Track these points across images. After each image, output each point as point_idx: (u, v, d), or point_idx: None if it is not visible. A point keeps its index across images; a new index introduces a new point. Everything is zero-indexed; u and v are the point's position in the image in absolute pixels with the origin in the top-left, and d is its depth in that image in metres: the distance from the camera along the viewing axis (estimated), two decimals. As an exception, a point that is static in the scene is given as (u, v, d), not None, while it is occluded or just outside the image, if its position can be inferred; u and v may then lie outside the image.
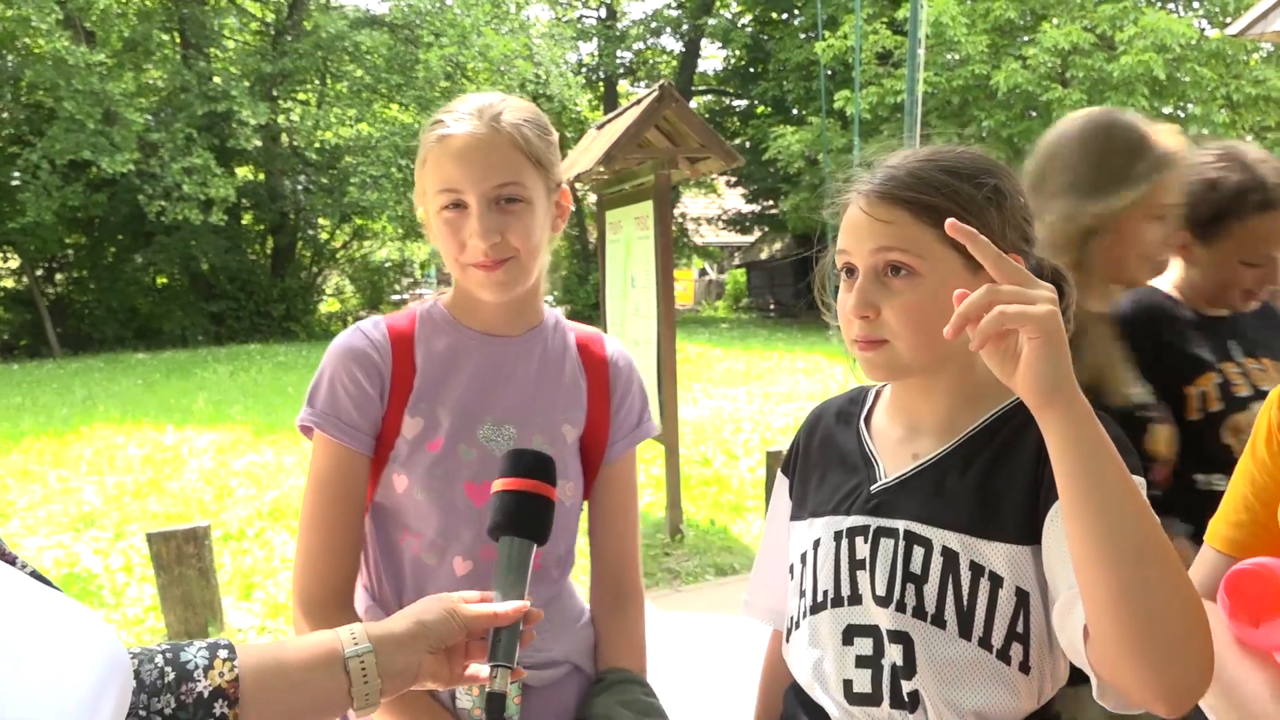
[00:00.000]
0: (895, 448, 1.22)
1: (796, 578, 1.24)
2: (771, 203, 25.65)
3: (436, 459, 1.36)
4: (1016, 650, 1.09)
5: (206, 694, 0.90)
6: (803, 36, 23.45)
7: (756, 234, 29.51)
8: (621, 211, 6.23)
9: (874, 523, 1.16)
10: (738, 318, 27.52)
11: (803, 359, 15.64)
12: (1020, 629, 1.08)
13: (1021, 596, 1.08)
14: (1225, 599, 1.10)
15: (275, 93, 21.22)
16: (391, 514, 1.39)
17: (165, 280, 22.39)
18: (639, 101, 5.68)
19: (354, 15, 21.19)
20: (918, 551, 1.12)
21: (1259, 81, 18.29)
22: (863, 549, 1.16)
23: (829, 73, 19.79)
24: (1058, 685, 1.13)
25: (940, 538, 1.11)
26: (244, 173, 22.08)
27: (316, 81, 22.11)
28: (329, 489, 1.34)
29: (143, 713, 0.88)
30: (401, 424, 1.36)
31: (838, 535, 1.19)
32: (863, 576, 1.15)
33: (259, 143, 19.41)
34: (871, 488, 1.19)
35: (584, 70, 27.50)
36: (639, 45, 29.14)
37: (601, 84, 28.58)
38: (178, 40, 20.91)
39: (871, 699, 1.13)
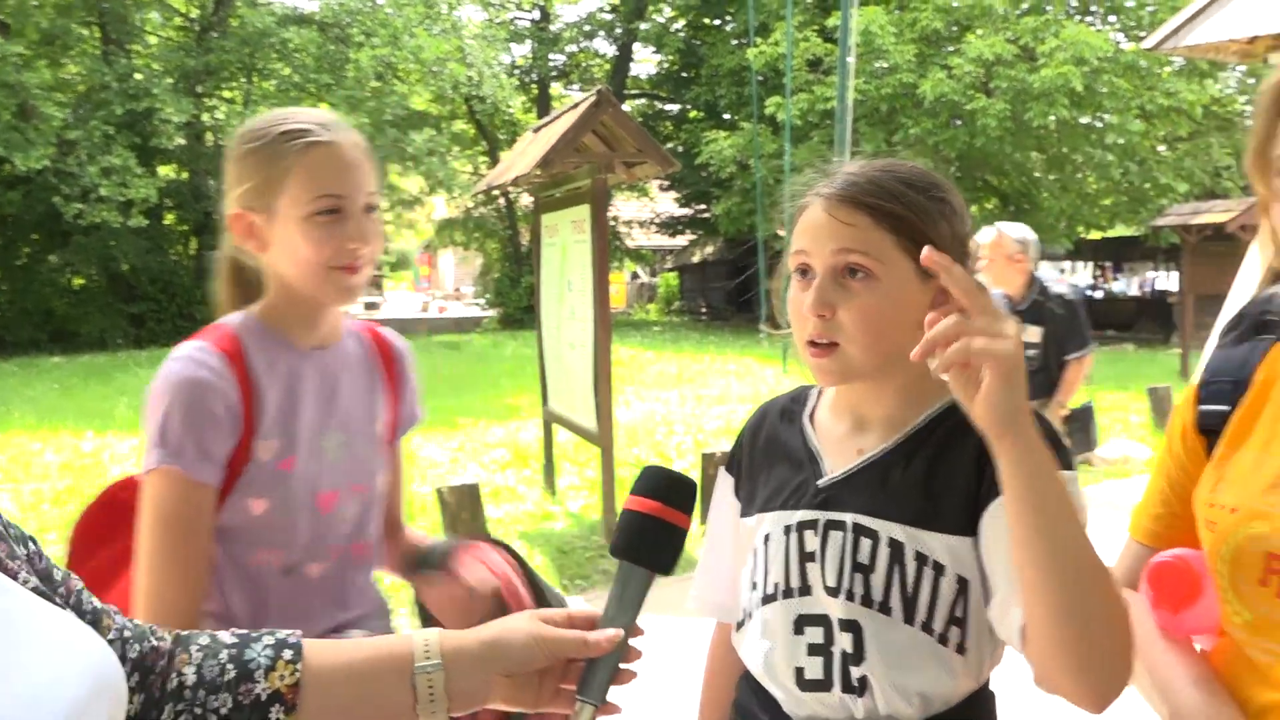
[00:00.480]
0: (840, 443, 1.26)
1: (748, 571, 1.27)
2: (704, 206, 25.85)
3: (293, 477, 1.40)
4: (955, 634, 1.14)
5: (264, 697, 0.87)
6: (734, 42, 23.69)
7: (689, 237, 29.70)
8: (558, 215, 6.24)
9: (823, 516, 1.20)
10: (670, 321, 27.66)
11: (734, 362, 15.78)
12: (959, 614, 1.14)
13: (961, 584, 1.14)
14: (1148, 589, 1.16)
15: (200, 90, 20.76)
16: (246, 536, 1.39)
17: (83, 281, 21.73)
18: (575, 106, 5.70)
19: (282, 12, 20.85)
20: (865, 543, 1.17)
21: (1170, 94, 18.96)
22: (812, 542, 1.20)
23: (760, 79, 20.00)
24: (995, 665, 1.19)
25: (886, 530, 1.16)
26: (167, 172, 21.56)
27: (243, 79, 21.68)
28: (181, 525, 1.33)
29: (198, 709, 0.86)
30: (254, 448, 1.37)
31: (787, 529, 1.22)
32: (813, 568, 1.19)
33: (182, 141, 19.00)
34: (818, 483, 1.23)
35: (517, 72, 27.40)
36: (572, 48, 29.15)
37: (535, 86, 28.51)
38: (98, 35, 20.34)
39: (823, 685, 1.17)
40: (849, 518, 1.18)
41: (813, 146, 20.57)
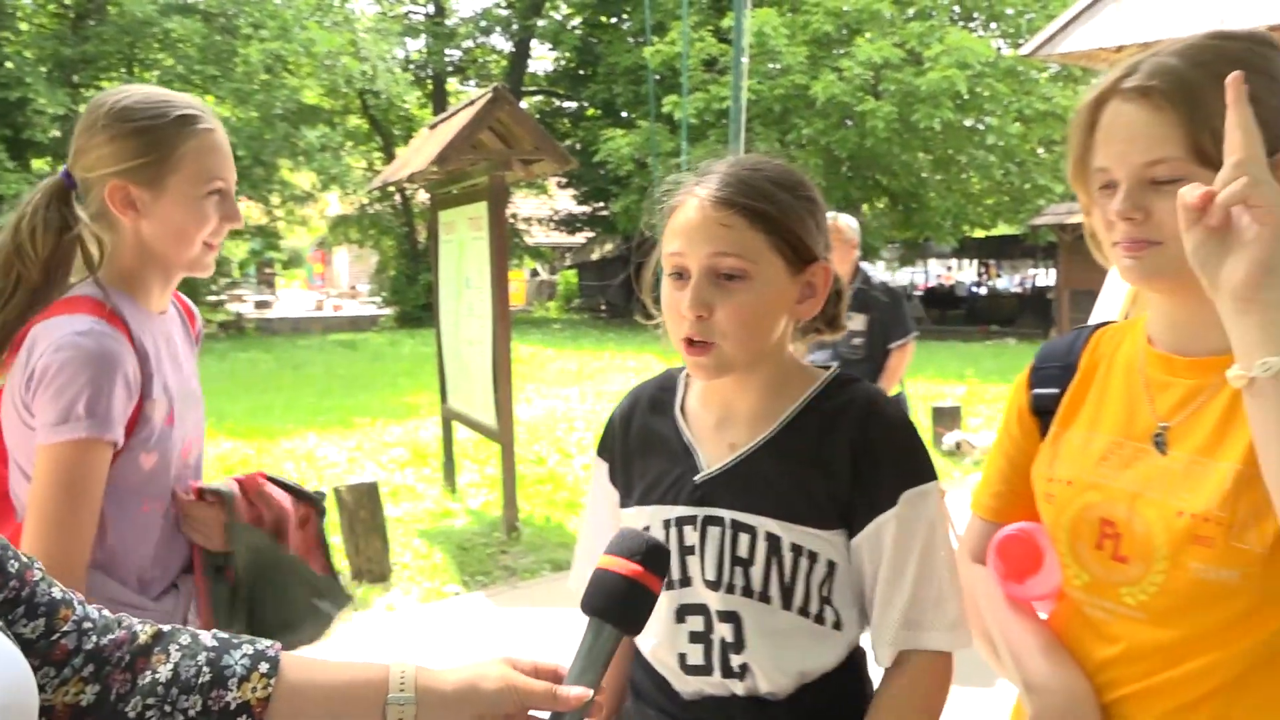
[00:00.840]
0: (712, 436, 1.30)
1: None
2: (602, 204, 25.91)
3: (173, 431, 1.55)
4: (829, 613, 1.24)
5: (234, 706, 0.88)
6: (631, 41, 23.83)
7: (587, 235, 29.73)
8: (455, 212, 6.23)
9: (701, 512, 1.25)
10: (569, 318, 27.66)
11: (634, 358, 15.91)
12: (828, 594, 1.23)
13: (831, 567, 1.23)
14: (996, 561, 1.27)
15: (76, 80, 19.88)
16: (135, 490, 1.50)
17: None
18: (472, 103, 5.70)
19: (165, 0, 20.11)
20: (744, 538, 1.23)
21: (1047, 99, 19.83)
22: (692, 536, 1.25)
23: (657, 78, 20.17)
24: (861, 633, 1.28)
25: (763, 525, 1.22)
26: (40, 165, 20.57)
27: (123, 70, 20.80)
28: (87, 489, 1.40)
29: (167, 707, 0.87)
30: (146, 410, 1.48)
31: (666, 524, 1.27)
32: (693, 561, 1.26)
33: (57, 133, 18.13)
34: (695, 479, 1.27)
35: (412, 67, 27.02)
36: (468, 43, 28.87)
37: (430, 82, 28.14)
38: (-38, 20, 19.30)
39: (704, 669, 1.25)
40: (727, 514, 1.24)
41: (709, 145, 20.82)
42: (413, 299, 24.09)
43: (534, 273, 33.60)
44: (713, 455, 1.29)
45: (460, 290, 6.21)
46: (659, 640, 1.28)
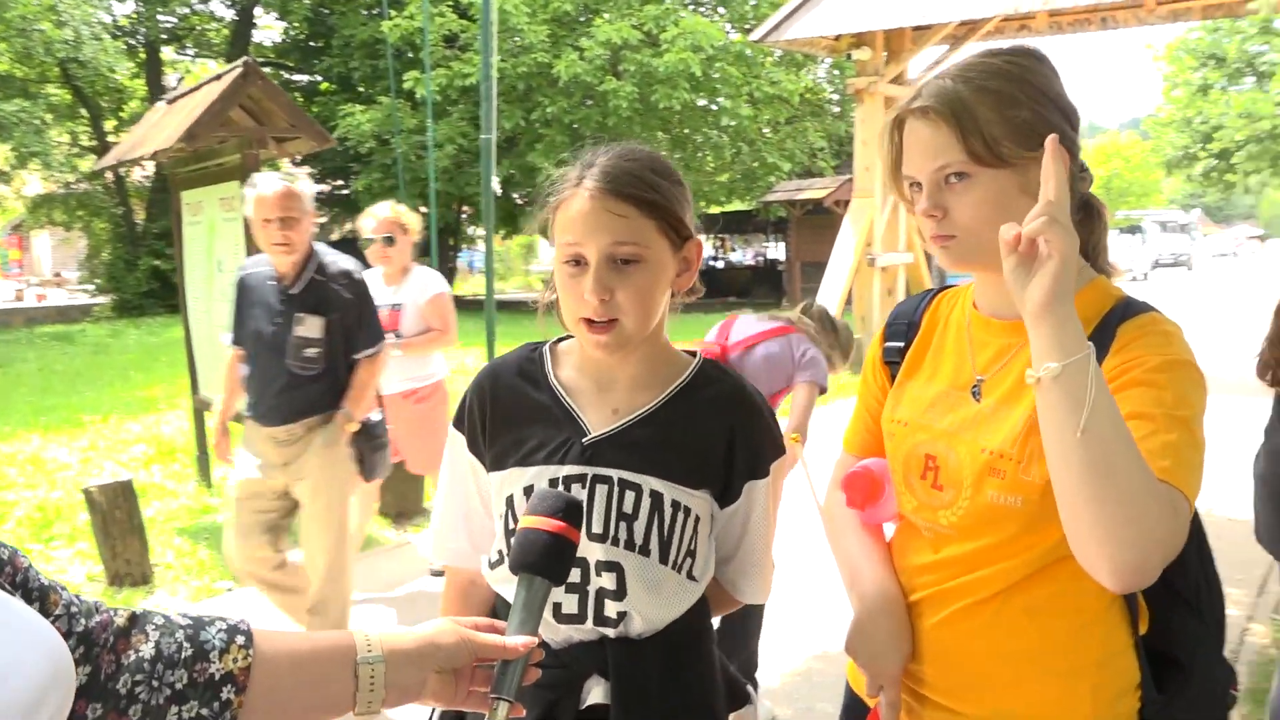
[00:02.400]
0: (593, 402, 1.43)
1: (503, 518, 1.43)
2: (342, 182, 24.97)
3: None
4: (688, 563, 1.41)
5: (218, 676, 0.92)
6: (366, 14, 23.02)
7: (327, 215, 28.56)
8: (202, 192, 5.89)
9: (590, 471, 1.37)
10: (312, 302, 26.50)
11: (387, 341, 15.54)
12: (692, 546, 1.41)
13: (697, 522, 1.40)
14: (842, 492, 1.52)
15: None
16: None
17: None
18: (219, 77, 5.43)
19: None
20: (629, 495, 1.36)
21: (774, 82, 21.08)
22: (579, 493, 1.36)
23: (396, 53, 19.67)
24: (705, 580, 1.46)
25: (648, 483, 1.37)
26: None
27: None
28: None
29: (155, 683, 0.89)
30: None
31: (553, 482, 1.37)
32: None
33: None
34: (583, 440, 1.39)
35: (121, 34, 24.78)
36: (184, 10, 26.82)
37: (143, 51, 25.94)
38: None
39: (577, 618, 1.38)
40: (615, 473, 1.37)
41: (453, 123, 20.60)
42: (133, 286, 22.26)
43: (269, 255, 31.88)
44: (596, 420, 1.41)
45: (211, 275, 5.89)
46: None
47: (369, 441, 3.77)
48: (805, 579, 4.20)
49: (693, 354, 1.50)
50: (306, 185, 3.55)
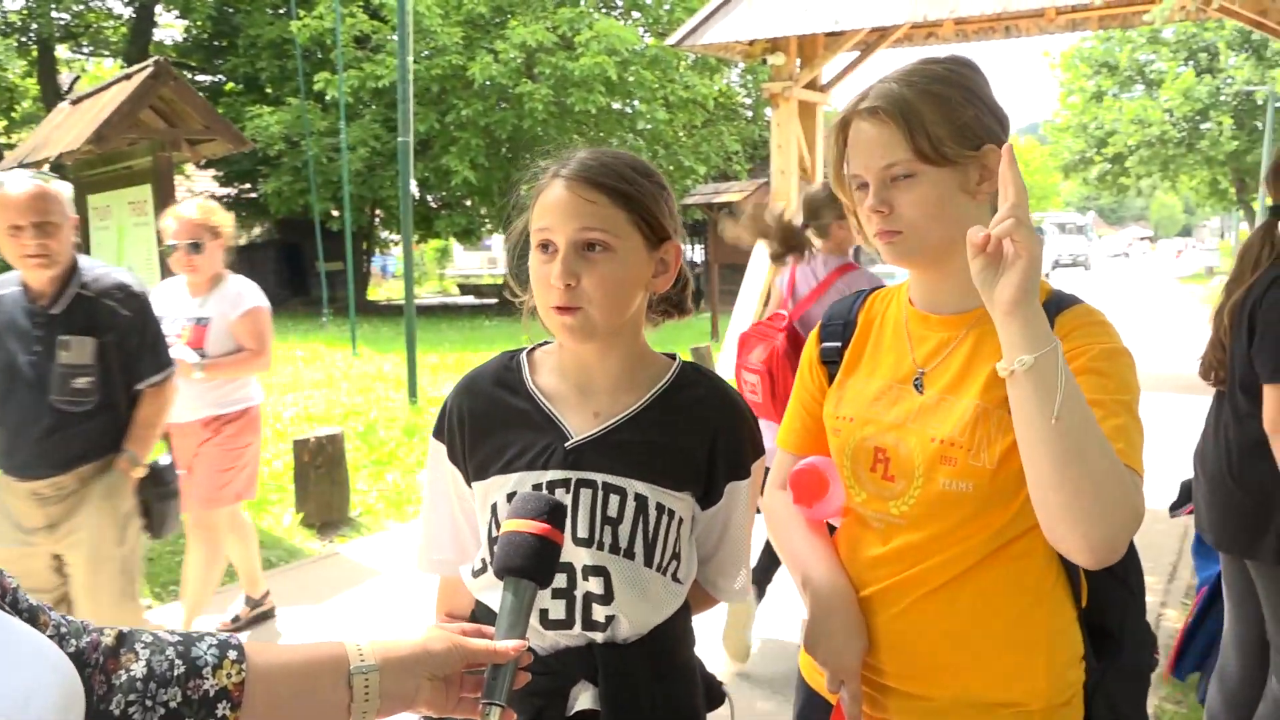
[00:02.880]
0: (574, 407, 1.41)
1: (488, 525, 1.41)
2: (249, 186, 24.34)
3: None
4: (672, 565, 1.41)
5: (213, 693, 0.90)
6: (272, 13, 22.50)
7: (233, 219, 27.78)
8: (110, 196, 5.71)
9: (574, 475, 1.36)
10: (219, 308, 25.76)
11: (300, 348, 15.21)
12: (676, 549, 1.41)
13: (680, 524, 1.41)
14: (790, 490, 1.54)
15: None
16: None
17: None
18: (129, 76, 5.25)
19: None
20: (614, 499, 1.36)
21: (689, 86, 21.27)
22: (563, 498, 1.35)
23: (305, 53, 19.28)
24: (689, 583, 1.46)
25: (632, 486, 1.36)
26: None
27: None
28: None
29: (149, 702, 0.86)
30: None
31: (536, 487, 1.36)
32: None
33: None
34: (565, 445, 1.38)
35: (12, 31, 23.76)
36: (79, 6, 25.84)
37: (35, 48, 24.91)
38: None
39: (564, 624, 1.37)
40: (599, 477, 1.37)
41: (365, 125, 20.27)
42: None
43: (173, 260, 30.89)
44: (578, 424, 1.40)
45: (122, 281, 5.71)
46: None
47: (157, 489, 3.14)
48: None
49: (672, 357, 1.50)
50: (62, 185, 2.92)
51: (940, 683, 1.40)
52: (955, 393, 1.38)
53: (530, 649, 1.28)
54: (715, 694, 1.52)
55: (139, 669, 0.89)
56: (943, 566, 1.37)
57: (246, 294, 4.03)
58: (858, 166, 1.38)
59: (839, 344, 1.55)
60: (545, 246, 1.35)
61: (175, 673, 0.90)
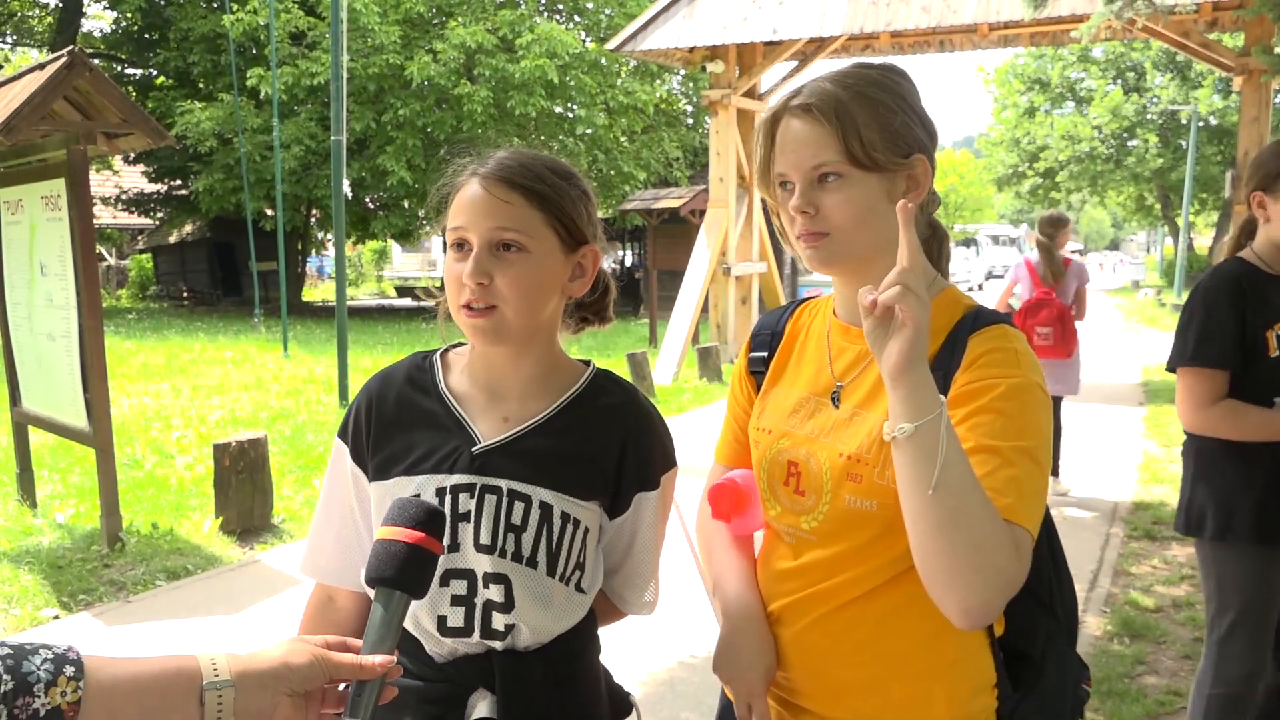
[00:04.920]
0: (484, 412, 1.38)
1: None
2: (180, 183, 23.77)
3: None
4: (576, 575, 1.37)
5: (43, 713, 0.83)
6: (205, 6, 22.00)
7: (163, 216, 27.10)
8: (20, 190, 5.48)
9: (479, 481, 1.32)
10: (147, 307, 25.14)
11: (229, 349, 14.87)
12: (581, 559, 1.37)
13: (586, 533, 1.37)
14: (708, 505, 1.51)
15: None
16: None
17: None
18: (42, 66, 5.05)
19: None
20: (519, 506, 1.32)
21: (629, 92, 21.26)
22: (467, 503, 1.31)
23: (239, 48, 18.88)
24: (594, 592, 1.43)
25: (538, 494, 1.33)
26: None
27: None
28: None
29: None
30: None
31: (440, 492, 1.32)
32: (465, 528, 1.32)
33: None
34: (473, 449, 1.34)
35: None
36: (2, -6, 25.04)
37: (-46, 36, 24.08)
38: None
39: (463, 631, 1.32)
40: (504, 484, 1.32)
41: (300, 123, 19.91)
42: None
43: (100, 258, 30.09)
44: (487, 428, 1.36)
45: (34, 278, 5.48)
46: (420, 604, 1.29)
47: None
48: (671, 587, 4.20)
49: (586, 363, 1.47)
50: None
51: (844, 704, 1.37)
52: (868, 408, 1.34)
53: (422, 659, 1.22)
54: (621, 704, 1.48)
55: None
56: (847, 585, 1.34)
57: None
58: (785, 165, 1.32)
59: (766, 354, 1.51)
60: (460, 245, 1.32)
61: (3, 689, 0.82)
